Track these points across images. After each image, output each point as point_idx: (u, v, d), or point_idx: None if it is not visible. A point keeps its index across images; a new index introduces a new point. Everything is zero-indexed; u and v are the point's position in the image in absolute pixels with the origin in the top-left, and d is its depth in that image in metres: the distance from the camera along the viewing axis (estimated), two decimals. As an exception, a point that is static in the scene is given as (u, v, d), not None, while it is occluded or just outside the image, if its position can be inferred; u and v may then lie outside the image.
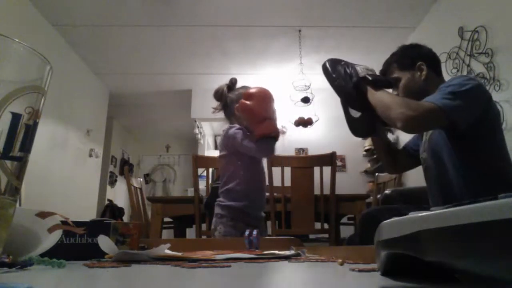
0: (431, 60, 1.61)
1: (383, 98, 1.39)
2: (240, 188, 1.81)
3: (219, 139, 1.96)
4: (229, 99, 1.93)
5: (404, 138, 4.46)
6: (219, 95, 1.97)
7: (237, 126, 1.87)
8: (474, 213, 0.21)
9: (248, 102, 1.81)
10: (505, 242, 0.20)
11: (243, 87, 1.97)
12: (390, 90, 1.60)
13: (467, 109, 1.36)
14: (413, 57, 1.61)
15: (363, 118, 1.54)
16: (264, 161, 1.99)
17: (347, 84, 1.48)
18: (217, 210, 1.82)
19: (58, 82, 4.17)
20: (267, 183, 2.21)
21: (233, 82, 2.01)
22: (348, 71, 1.50)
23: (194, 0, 3.59)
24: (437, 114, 1.30)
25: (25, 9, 3.54)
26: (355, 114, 1.57)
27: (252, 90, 1.86)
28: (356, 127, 1.60)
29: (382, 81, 1.45)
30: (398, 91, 1.63)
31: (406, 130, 1.39)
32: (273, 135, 1.77)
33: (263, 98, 1.83)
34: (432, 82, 1.56)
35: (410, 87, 1.58)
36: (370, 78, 1.43)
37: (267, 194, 2.68)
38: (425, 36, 3.90)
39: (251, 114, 1.81)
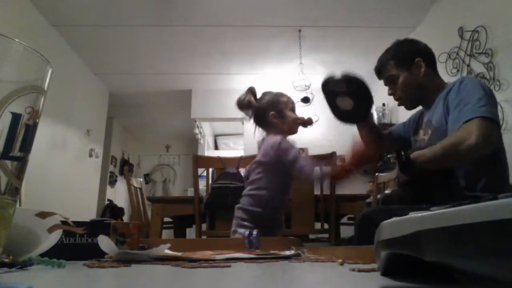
0: (428, 56, 1.58)
1: (432, 158, 1.32)
2: (267, 196, 1.83)
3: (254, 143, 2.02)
4: (260, 109, 1.95)
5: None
6: (246, 104, 1.97)
7: (290, 142, 1.87)
8: (474, 213, 0.21)
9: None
10: (504, 242, 0.20)
11: (269, 94, 2.00)
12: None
13: (496, 107, 1.36)
14: (410, 53, 1.57)
15: (357, 110, 1.55)
16: None
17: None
18: (239, 213, 1.82)
19: (58, 82, 4.17)
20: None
21: (254, 91, 2.01)
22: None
23: (193, 0, 3.59)
24: (487, 124, 1.27)
25: (25, 9, 3.54)
26: (344, 106, 1.55)
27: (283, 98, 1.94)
28: (348, 117, 1.60)
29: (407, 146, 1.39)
30: (396, 88, 1.59)
31: (484, 152, 1.32)
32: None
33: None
34: (429, 78, 1.54)
35: (409, 85, 1.55)
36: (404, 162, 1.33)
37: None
38: (425, 36, 3.89)
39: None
